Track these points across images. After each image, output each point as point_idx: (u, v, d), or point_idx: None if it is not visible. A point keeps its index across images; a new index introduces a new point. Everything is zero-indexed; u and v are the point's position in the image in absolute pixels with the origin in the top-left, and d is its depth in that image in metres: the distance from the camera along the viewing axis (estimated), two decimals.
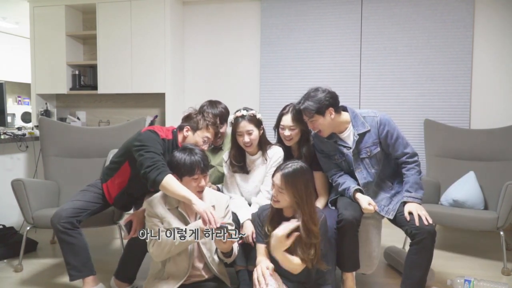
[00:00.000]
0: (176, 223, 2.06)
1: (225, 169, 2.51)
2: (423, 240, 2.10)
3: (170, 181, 2.00)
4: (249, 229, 2.21)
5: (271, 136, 2.54)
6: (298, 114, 2.32)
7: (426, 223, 2.12)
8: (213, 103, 2.70)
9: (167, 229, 2.01)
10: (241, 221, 2.28)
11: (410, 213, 2.17)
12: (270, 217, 2.04)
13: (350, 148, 2.32)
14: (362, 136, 2.29)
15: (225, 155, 2.54)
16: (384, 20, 4.00)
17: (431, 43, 3.91)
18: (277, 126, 2.45)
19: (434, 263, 2.83)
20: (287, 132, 2.37)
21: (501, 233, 2.77)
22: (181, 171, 2.01)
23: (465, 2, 3.81)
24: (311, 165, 2.29)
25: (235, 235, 1.87)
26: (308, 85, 4.10)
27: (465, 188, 3.14)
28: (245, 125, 2.33)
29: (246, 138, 2.34)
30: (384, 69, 4.01)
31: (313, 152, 2.44)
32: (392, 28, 3.99)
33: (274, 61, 4.28)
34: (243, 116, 2.35)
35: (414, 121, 3.91)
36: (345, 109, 2.34)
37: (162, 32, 4.22)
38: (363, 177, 2.33)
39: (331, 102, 2.22)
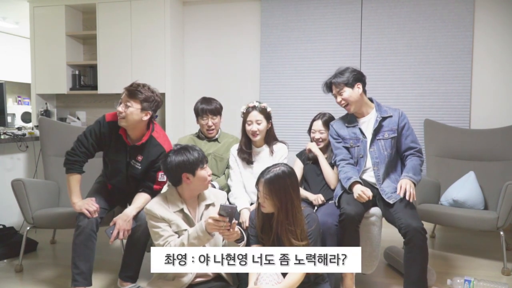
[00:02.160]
0: (184, 225, 2.07)
1: (231, 162, 2.65)
2: (413, 238, 2.14)
3: (69, 179, 2.44)
4: (245, 216, 2.35)
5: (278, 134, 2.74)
6: (329, 122, 2.63)
7: (407, 198, 2.22)
8: (207, 99, 2.84)
9: (176, 231, 2.04)
10: (238, 209, 2.41)
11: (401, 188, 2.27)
12: (261, 225, 2.03)
13: (365, 137, 2.46)
14: (384, 119, 2.47)
15: (232, 148, 2.68)
16: (384, 20, 4.00)
17: (431, 43, 3.91)
18: (309, 131, 2.74)
19: (434, 263, 2.85)
20: (318, 135, 2.65)
21: (501, 233, 2.77)
22: (193, 166, 2.04)
23: (465, 2, 3.81)
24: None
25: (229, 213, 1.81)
26: (308, 85, 4.20)
27: (465, 188, 3.14)
28: (255, 115, 2.53)
29: (254, 127, 2.52)
30: (384, 69, 4.01)
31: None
32: (392, 28, 3.99)
33: (274, 61, 4.28)
34: (254, 107, 2.55)
35: (414, 121, 3.90)
36: (370, 99, 2.58)
37: (162, 32, 4.22)
38: (375, 156, 2.44)
39: (359, 77, 2.46)
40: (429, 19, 3.91)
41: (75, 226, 2.35)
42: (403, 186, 2.25)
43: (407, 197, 2.23)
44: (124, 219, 2.33)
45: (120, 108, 2.31)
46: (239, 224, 2.34)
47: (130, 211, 2.37)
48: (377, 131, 2.45)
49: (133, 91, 2.29)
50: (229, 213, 1.78)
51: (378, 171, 2.42)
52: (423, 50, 3.93)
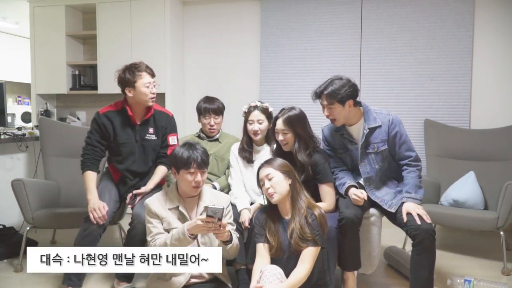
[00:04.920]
0: (176, 223, 2.07)
1: (232, 160, 2.65)
2: (423, 240, 2.10)
3: (84, 177, 2.46)
4: (245, 216, 2.34)
5: None
6: (290, 119, 2.29)
7: (429, 221, 2.13)
8: (210, 99, 2.87)
9: (167, 230, 2.05)
10: (238, 210, 2.42)
11: (408, 214, 2.17)
12: (269, 224, 2.07)
13: (355, 143, 2.35)
14: (372, 130, 2.31)
15: (233, 147, 2.68)
16: (384, 20, 4.00)
17: (431, 43, 3.91)
18: (273, 130, 2.40)
19: None
20: (280, 137, 2.32)
21: (501, 233, 2.77)
22: (178, 164, 2.05)
23: (465, 2, 3.81)
24: (313, 175, 2.32)
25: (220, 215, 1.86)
26: (308, 85, 4.17)
27: (465, 188, 3.14)
28: (257, 114, 2.54)
29: (256, 126, 2.53)
30: (384, 69, 4.01)
31: (315, 161, 2.33)
32: (392, 28, 3.99)
33: (274, 61, 4.28)
34: (256, 106, 2.57)
35: (414, 121, 3.91)
36: (359, 103, 2.35)
37: (162, 32, 4.22)
38: (366, 171, 2.35)
39: (353, 94, 2.26)
40: (429, 19, 3.90)
41: (82, 226, 2.36)
42: (413, 214, 2.15)
43: (426, 220, 2.12)
44: (142, 193, 2.49)
45: (154, 90, 2.51)
46: (239, 224, 2.34)
47: (149, 187, 2.51)
48: (366, 144, 2.32)
49: (152, 71, 2.52)
50: (217, 214, 1.84)
51: (370, 185, 2.36)
52: (423, 50, 3.93)
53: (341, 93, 2.21)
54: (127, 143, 2.55)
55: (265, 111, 2.56)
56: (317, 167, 2.31)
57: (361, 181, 2.40)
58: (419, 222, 2.11)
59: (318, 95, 2.30)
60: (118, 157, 2.60)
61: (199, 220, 1.87)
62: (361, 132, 2.33)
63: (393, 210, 2.28)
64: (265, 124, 2.55)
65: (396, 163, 2.40)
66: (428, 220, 2.14)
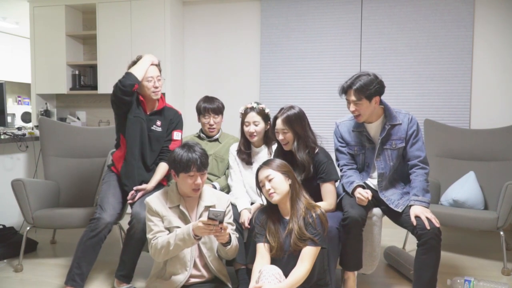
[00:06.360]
0: (176, 221, 2.07)
1: (231, 161, 2.65)
2: (429, 240, 2.09)
3: (131, 68, 2.51)
4: (245, 217, 2.33)
5: None
6: (288, 118, 2.27)
7: (437, 225, 2.11)
8: (209, 98, 2.87)
9: (167, 228, 2.05)
10: (239, 210, 2.41)
11: (417, 217, 2.15)
12: (269, 225, 2.08)
13: (372, 142, 2.36)
14: (392, 127, 2.33)
15: (232, 147, 2.68)
16: (384, 20, 4.01)
17: (431, 43, 3.91)
18: (273, 130, 2.38)
19: None
20: (280, 136, 2.31)
21: (501, 233, 2.77)
22: (178, 167, 2.04)
23: (465, 2, 3.81)
24: (314, 175, 2.31)
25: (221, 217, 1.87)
26: (308, 85, 4.20)
27: (465, 188, 3.14)
28: (253, 116, 2.52)
29: (252, 128, 2.51)
30: (384, 69, 4.01)
31: (318, 161, 2.32)
32: (392, 28, 3.99)
33: (274, 61, 4.28)
34: (252, 108, 2.55)
35: None
36: (380, 101, 2.35)
37: (162, 32, 4.22)
38: (381, 167, 2.36)
39: (380, 90, 2.26)
40: (429, 19, 3.91)
41: (89, 227, 2.37)
42: (422, 217, 2.12)
43: (435, 224, 2.10)
44: (143, 190, 2.51)
45: (158, 84, 2.57)
46: (239, 224, 2.34)
47: (150, 185, 2.53)
48: (384, 140, 2.34)
49: (158, 65, 2.62)
50: (219, 217, 1.86)
51: (382, 182, 2.37)
52: (423, 50, 3.93)
53: (370, 89, 2.20)
54: (139, 118, 2.57)
55: (261, 113, 2.54)
56: (320, 166, 2.30)
57: (368, 182, 2.41)
58: (428, 227, 2.09)
59: (345, 90, 2.27)
60: (128, 129, 2.57)
61: (201, 222, 1.88)
62: (379, 130, 2.35)
63: (400, 210, 2.27)
64: (261, 125, 2.54)
65: (405, 164, 2.40)
66: (437, 224, 2.11)
